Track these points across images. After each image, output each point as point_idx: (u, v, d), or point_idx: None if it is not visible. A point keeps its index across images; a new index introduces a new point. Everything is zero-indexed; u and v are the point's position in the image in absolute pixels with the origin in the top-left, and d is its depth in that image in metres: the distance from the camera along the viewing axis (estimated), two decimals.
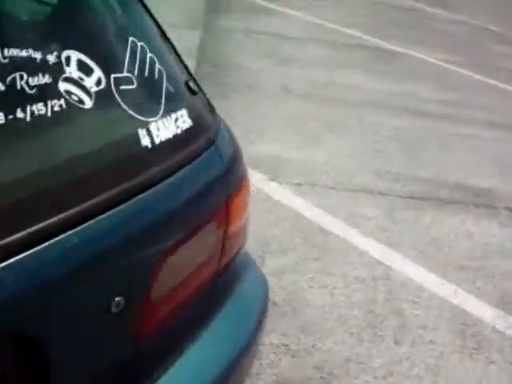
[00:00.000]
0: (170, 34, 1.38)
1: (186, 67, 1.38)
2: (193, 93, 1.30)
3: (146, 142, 1.11)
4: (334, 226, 3.43)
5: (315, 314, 2.69)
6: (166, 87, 1.20)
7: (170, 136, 1.16)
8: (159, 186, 1.13)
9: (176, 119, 1.19)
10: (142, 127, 1.11)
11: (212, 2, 7.74)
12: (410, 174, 4.19)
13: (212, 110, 1.37)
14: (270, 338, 2.48)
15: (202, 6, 7.42)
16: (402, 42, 7.59)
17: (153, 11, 1.35)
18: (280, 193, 3.71)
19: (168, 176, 1.15)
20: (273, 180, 3.84)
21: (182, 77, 1.31)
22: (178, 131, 1.19)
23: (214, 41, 6.31)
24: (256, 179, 3.83)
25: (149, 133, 1.12)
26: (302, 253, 3.15)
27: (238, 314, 1.45)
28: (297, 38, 7.01)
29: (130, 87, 1.12)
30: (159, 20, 1.35)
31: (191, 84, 1.30)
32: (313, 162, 4.15)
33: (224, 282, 1.42)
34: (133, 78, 1.13)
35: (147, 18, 1.30)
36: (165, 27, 1.38)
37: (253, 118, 4.74)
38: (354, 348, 2.53)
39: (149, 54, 1.20)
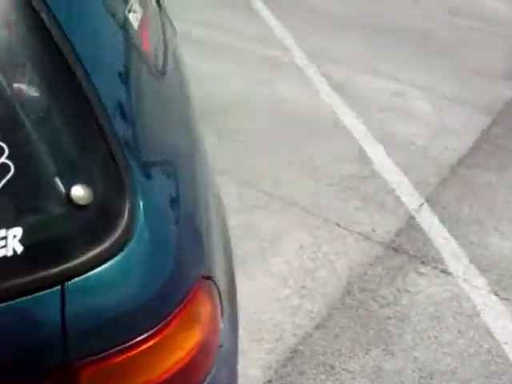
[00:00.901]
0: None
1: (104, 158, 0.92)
2: (76, 206, 0.85)
3: None
4: None
5: None
6: None
7: None
8: None
9: None
10: None
11: None
12: None
13: (110, 230, 0.89)
14: None
15: None
16: None
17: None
18: (495, 313, 2.87)
19: None
20: (496, 294, 2.99)
21: (66, 179, 0.87)
22: None
23: None
24: (473, 286, 3.04)
25: None
26: None
27: None
28: None
29: None
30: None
31: (79, 191, 0.86)
32: None
33: None
34: None
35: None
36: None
37: None
38: None
39: None
